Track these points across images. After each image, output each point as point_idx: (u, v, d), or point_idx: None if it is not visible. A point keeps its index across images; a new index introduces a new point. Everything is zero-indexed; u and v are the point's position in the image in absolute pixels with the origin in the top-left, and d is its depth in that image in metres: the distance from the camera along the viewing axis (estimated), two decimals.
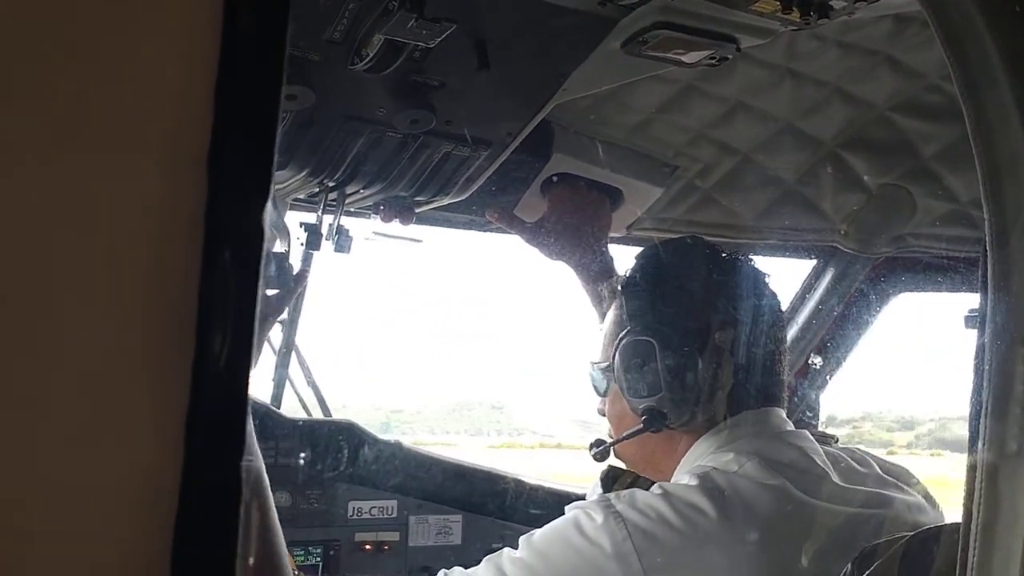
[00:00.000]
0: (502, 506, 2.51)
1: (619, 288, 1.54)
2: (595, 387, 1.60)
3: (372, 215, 1.61)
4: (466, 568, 1.48)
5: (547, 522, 2.49)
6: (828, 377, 2.47)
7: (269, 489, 1.25)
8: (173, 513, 0.40)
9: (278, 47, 0.43)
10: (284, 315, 2.36)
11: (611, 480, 1.62)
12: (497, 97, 1.33)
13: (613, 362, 1.49)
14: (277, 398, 2.35)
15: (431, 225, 1.87)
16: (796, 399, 2.44)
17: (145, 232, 0.40)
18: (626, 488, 1.46)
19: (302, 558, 2.23)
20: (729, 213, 2.04)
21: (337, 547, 2.26)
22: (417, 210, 1.60)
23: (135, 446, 0.40)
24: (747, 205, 2.01)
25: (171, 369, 0.40)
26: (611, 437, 1.58)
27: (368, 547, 2.30)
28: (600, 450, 1.60)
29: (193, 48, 0.41)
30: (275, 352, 2.28)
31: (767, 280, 1.58)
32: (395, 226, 1.60)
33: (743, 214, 2.03)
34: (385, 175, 1.44)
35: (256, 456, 1.28)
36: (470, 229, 1.94)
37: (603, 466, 1.64)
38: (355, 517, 2.31)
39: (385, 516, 2.35)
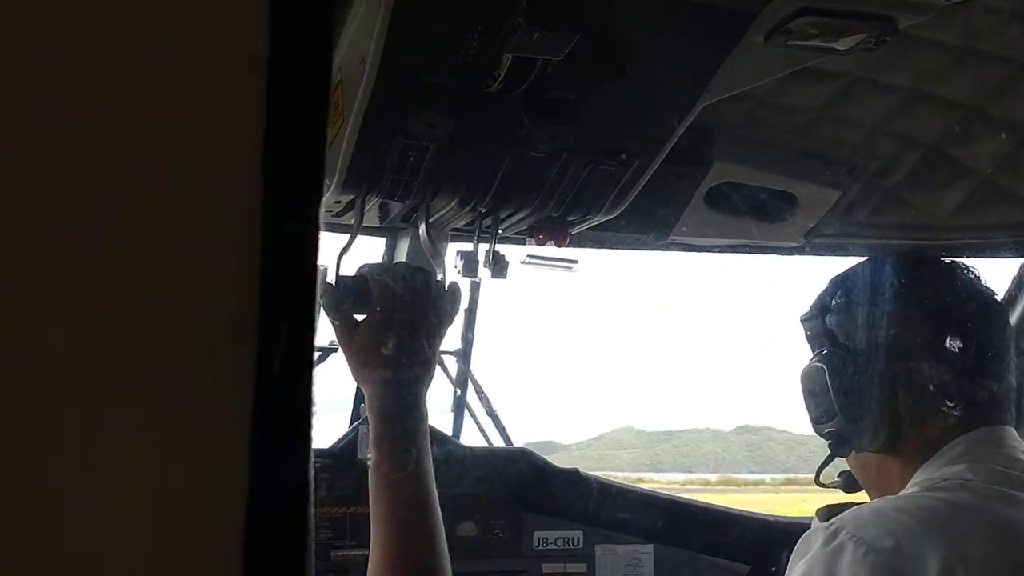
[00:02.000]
0: (695, 537, 2.41)
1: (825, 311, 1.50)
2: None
3: (528, 239, 1.60)
4: None
5: (744, 553, 2.39)
6: None
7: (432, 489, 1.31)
8: (242, 523, 0.39)
9: (324, 43, 0.42)
10: (459, 345, 2.40)
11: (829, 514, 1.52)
12: (638, 105, 1.28)
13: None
14: (457, 428, 2.38)
15: (591, 247, 1.83)
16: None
17: (202, 235, 0.40)
18: None
19: None
20: (918, 212, 1.88)
21: None
22: (572, 231, 1.57)
23: (200, 452, 0.40)
24: (937, 202, 1.85)
25: (234, 372, 0.39)
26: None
27: None
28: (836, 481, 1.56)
29: (242, 50, 0.40)
30: (452, 382, 2.31)
31: (983, 283, 1.49)
32: (550, 249, 1.57)
33: (934, 212, 1.86)
34: (533, 196, 1.42)
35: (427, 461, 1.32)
36: (630, 248, 1.89)
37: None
38: (540, 547, 2.29)
39: (571, 546, 2.31)
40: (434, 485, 1.31)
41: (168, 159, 0.39)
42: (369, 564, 1.23)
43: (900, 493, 1.38)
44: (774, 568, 2.37)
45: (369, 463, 1.34)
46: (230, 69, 0.39)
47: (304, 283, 0.40)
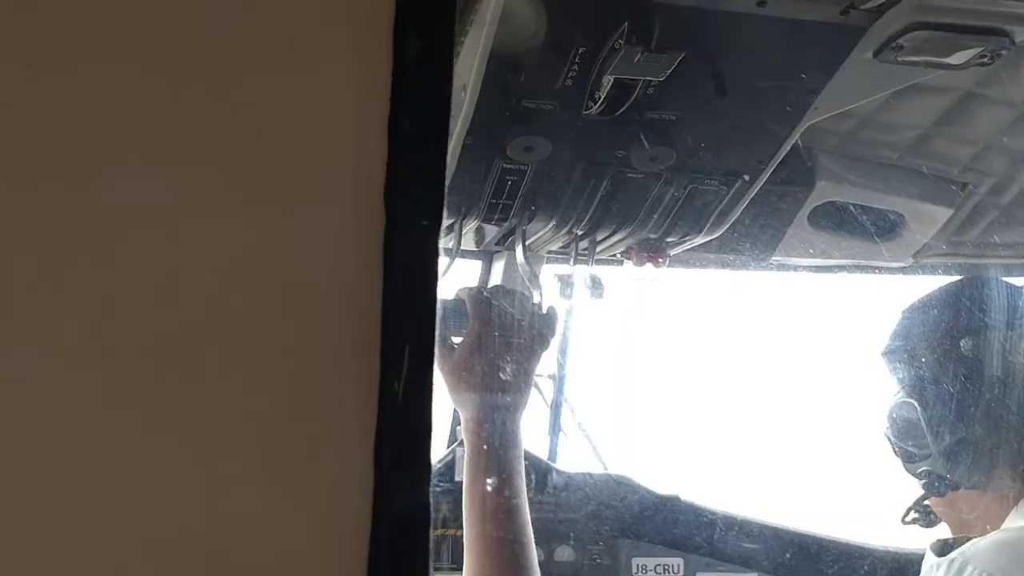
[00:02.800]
0: (802, 567, 2.33)
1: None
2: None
3: (626, 260, 1.59)
4: None
5: None
6: None
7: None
8: (366, 545, 0.39)
9: (445, 75, 0.43)
10: (554, 370, 2.39)
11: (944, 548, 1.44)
12: (741, 125, 1.26)
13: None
14: (552, 451, 2.37)
15: (689, 268, 1.81)
16: None
17: (329, 265, 0.41)
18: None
19: None
20: None
21: None
22: (671, 252, 1.55)
23: (325, 479, 0.40)
24: None
25: (358, 398, 0.40)
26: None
27: None
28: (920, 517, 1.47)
29: (365, 82, 0.41)
30: (548, 406, 2.30)
31: None
32: (648, 270, 1.56)
33: None
34: (631, 218, 1.41)
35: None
36: (730, 269, 1.86)
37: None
38: (639, 574, 2.25)
39: (671, 574, 2.27)
40: (527, 508, 1.30)
41: (298, 186, 0.40)
42: None
43: (1008, 526, 1.32)
44: None
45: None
46: (356, 97, 0.40)
47: (425, 308, 0.40)
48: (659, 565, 2.23)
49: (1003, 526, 1.33)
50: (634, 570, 2.22)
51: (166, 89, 0.39)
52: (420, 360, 0.40)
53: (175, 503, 0.38)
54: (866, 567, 2.32)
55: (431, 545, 0.41)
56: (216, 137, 0.40)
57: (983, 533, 1.35)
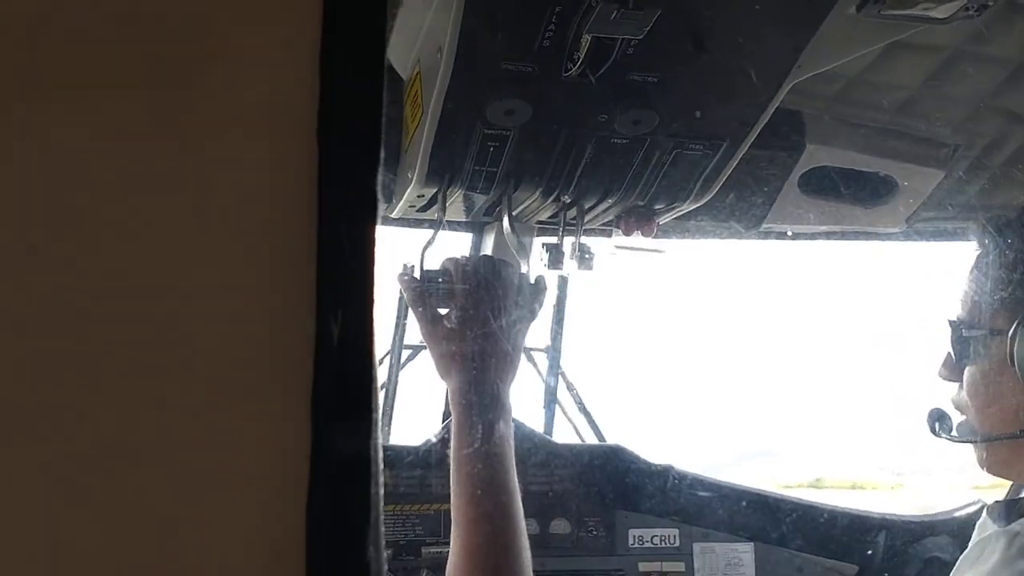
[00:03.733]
0: (799, 535, 2.33)
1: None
2: (954, 361, 1.24)
3: (615, 230, 1.57)
4: None
5: (852, 553, 2.29)
6: None
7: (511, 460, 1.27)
8: (304, 497, 0.38)
9: (379, 10, 0.41)
10: (549, 343, 2.38)
11: (1006, 512, 1.20)
12: (723, 85, 1.24)
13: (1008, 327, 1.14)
14: (548, 425, 2.36)
15: (681, 238, 1.79)
16: None
17: (259, 210, 0.39)
18: None
19: None
20: None
21: None
22: (660, 220, 1.53)
23: (261, 429, 0.39)
24: None
25: (293, 343, 0.38)
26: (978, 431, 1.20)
27: None
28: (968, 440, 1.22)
29: (294, 10, 0.39)
30: (542, 378, 2.29)
31: None
32: (637, 239, 1.54)
33: None
34: (617, 185, 1.39)
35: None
36: (722, 238, 1.84)
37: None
38: (636, 546, 2.25)
39: (667, 545, 2.26)
40: (516, 481, 1.29)
41: (226, 124, 0.39)
42: (450, 556, 1.22)
43: None
44: (885, 569, 2.28)
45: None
46: (284, 28, 0.38)
47: (362, 247, 0.39)
48: (656, 536, 2.23)
49: None
50: (630, 541, 2.22)
51: (87, 24, 0.37)
52: (358, 303, 0.38)
53: (102, 455, 0.36)
54: (866, 535, 2.32)
55: (378, 498, 0.40)
56: (138, 76, 0.38)
57: None
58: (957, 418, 1.28)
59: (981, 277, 1.22)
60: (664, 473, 2.25)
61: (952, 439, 1.25)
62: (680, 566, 2.25)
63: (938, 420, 1.27)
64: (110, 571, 0.37)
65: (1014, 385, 1.14)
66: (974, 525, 1.24)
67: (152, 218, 0.38)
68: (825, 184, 1.75)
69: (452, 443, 1.31)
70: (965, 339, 1.21)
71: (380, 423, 0.42)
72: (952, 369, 1.25)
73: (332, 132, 0.38)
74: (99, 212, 0.37)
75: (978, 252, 1.24)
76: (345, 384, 0.38)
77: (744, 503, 2.29)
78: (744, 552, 2.30)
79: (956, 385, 1.26)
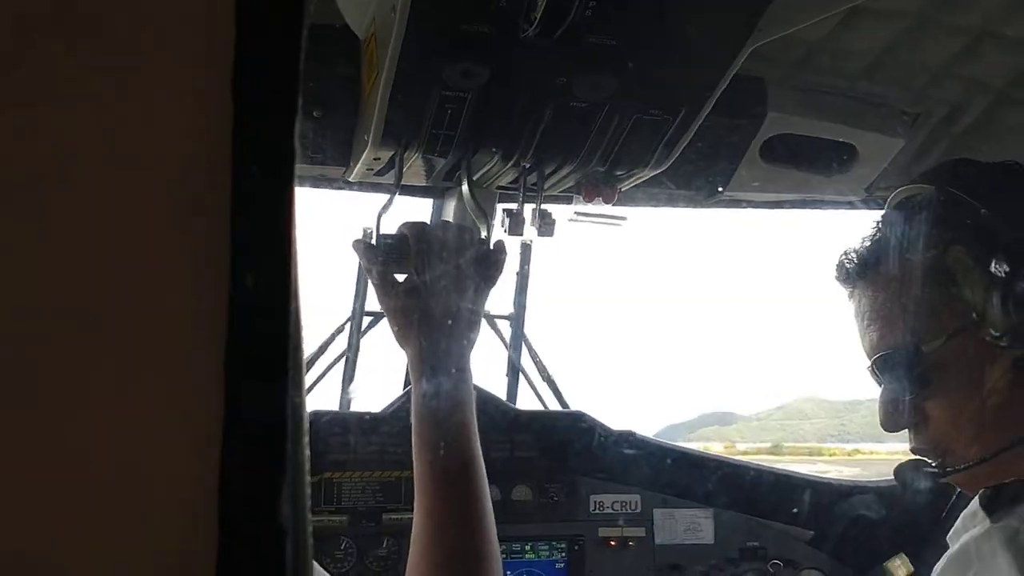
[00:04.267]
0: (756, 501, 2.36)
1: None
2: (904, 398, 1.15)
3: (576, 197, 1.56)
4: None
5: (807, 518, 2.32)
6: None
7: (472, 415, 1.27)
8: (218, 458, 0.37)
9: None
10: (512, 310, 2.37)
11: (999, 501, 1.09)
12: (683, 50, 1.22)
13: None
14: (512, 393, 2.36)
15: (645, 206, 1.78)
16: None
17: (172, 166, 0.38)
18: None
19: (547, 553, 2.21)
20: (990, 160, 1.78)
21: (581, 542, 2.23)
22: (621, 187, 1.52)
23: (174, 388, 0.37)
24: (1012, 150, 1.75)
25: (207, 297, 0.37)
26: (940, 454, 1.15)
27: (613, 543, 2.25)
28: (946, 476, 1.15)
29: None
30: (506, 346, 2.29)
31: None
32: (599, 206, 1.53)
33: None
34: (577, 150, 1.38)
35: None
36: (684, 206, 1.83)
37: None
38: (597, 512, 2.26)
39: (628, 511, 2.28)
40: (479, 447, 1.28)
41: (140, 73, 0.37)
42: (413, 525, 1.21)
43: None
44: (837, 533, 2.31)
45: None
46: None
47: (279, 201, 0.37)
48: (616, 502, 2.25)
49: None
50: (591, 507, 2.23)
51: None
52: (276, 261, 0.37)
53: (5, 412, 0.35)
54: (823, 500, 2.35)
55: (300, 458, 0.39)
56: (47, 25, 0.36)
57: None
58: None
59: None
60: (626, 440, 2.26)
61: (945, 476, 1.16)
62: (641, 531, 2.27)
63: (913, 472, 1.17)
64: (16, 533, 0.36)
65: (1000, 377, 1.08)
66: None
67: (62, 172, 0.36)
68: (786, 152, 1.75)
69: (412, 412, 1.30)
70: (914, 362, 1.11)
71: (302, 384, 0.40)
72: (901, 412, 1.17)
73: (248, 83, 0.37)
74: (8, 167, 0.36)
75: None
76: (259, 344, 0.37)
77: (703, 470, 2.31)
78: (703, 518, 2.32)
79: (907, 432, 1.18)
